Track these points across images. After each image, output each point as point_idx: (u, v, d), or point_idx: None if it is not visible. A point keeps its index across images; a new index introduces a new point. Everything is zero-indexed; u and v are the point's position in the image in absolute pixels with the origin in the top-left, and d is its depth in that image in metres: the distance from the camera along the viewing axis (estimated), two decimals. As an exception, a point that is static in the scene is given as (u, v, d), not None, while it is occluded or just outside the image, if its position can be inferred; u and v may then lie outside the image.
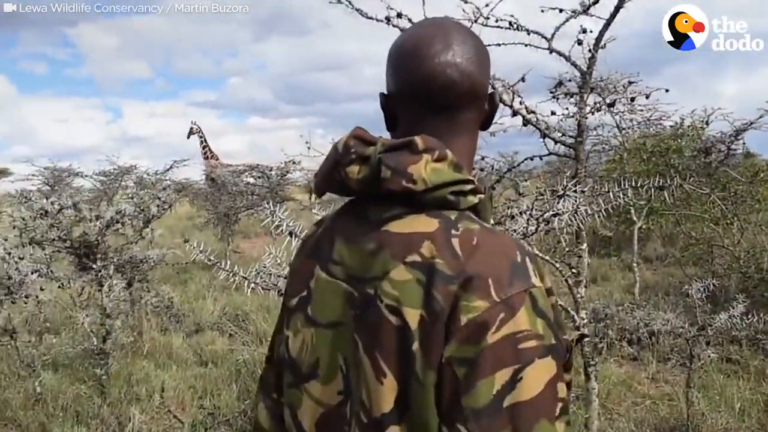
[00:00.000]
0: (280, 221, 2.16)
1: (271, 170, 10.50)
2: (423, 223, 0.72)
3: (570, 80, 2.81)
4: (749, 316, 3.13)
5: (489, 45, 2.50)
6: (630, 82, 2.99)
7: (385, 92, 0.83)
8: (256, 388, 0.98)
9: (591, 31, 2.58)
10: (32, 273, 3.95)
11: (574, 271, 2.63)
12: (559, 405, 0.66)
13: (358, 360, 0.72)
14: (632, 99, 3.00)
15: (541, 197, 2.19)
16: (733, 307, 3.10)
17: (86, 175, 12.58)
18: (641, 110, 4.77)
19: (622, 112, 3.95)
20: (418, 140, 0.72)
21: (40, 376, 3.98)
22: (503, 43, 2.62)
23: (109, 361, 3.99)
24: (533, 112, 2.63)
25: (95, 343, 3.95)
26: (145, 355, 4.77)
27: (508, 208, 2.31)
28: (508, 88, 2.60)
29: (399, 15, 2.49)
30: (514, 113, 2.58)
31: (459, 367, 0.65)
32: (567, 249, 2.77)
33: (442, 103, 0.77)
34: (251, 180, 10.81)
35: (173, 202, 5.18)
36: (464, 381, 0.64)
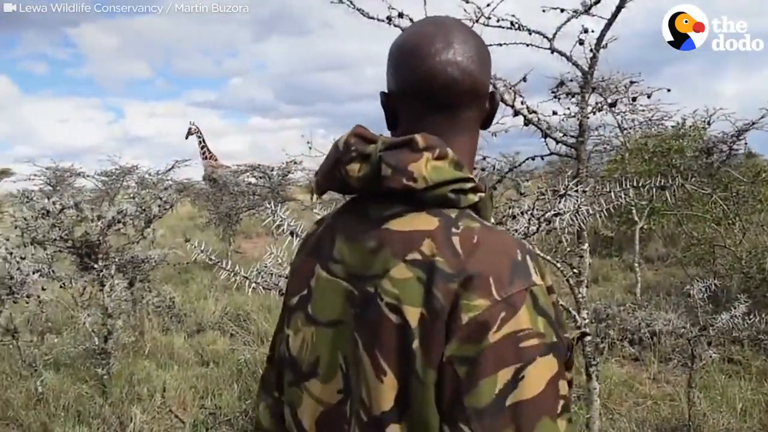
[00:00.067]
0: (281, 221, 2.17)
1: (272, 170, 10.51)
2: (423, 221, 0.72)
3: (571, 80, 2.81)
4: (751, 317, 3.12)
5: (490, 45, 2.51)
6: (632, 82, 2.99)
7: (386, 91, 0.83)
8: (258, 388, 0.98)
9: (592, 31, 2.58)
10: (34, 273, 3.96)
11: (575, 271, 2.62)
12: (561, 402, 0.66)
13: (358, 358, 0.72)
14: (634, 99, 2.99)
15: (543, 197, 2.19)
16: (735, 308, 3.10)
17: (88, 176, 12.60)
18: (643, 110, 4.77)
19: (624, 113, 3.95)
20: (419, 138, 0.72)
21: (42, 375, 3.98)
22: (504, 43, 2.62)
23: (111, 361, 3.99)
24: (534, 112, 2.63)
25: (97, 343, 3.95)
26: (147, 355, 4.78)
27: (510, 207, 2.31)
28: (510, 88, 2.60)
29: (400, 15, 2.49)
30: (516, 113, 2.58)
31: (460, 366, 0.65)
32: (568, 249, 2.77)
33: (443, 101, 0.77)
34: (252, 180, 10.82)
35: (174, 202, 5.18)
36: (466, 380, 0.64)
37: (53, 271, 4.11)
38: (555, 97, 2.90)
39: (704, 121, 6.15)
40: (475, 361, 0.64)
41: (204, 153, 16.83)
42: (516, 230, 2.15)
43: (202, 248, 2.30)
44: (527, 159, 2.91)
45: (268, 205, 2.22)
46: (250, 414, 3.57)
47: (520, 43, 2.64)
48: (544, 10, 2.61)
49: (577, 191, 2.16)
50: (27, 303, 4.13)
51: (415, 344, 0.67)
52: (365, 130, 0.77)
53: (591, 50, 2.60)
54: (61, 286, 4.21)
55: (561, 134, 2.71)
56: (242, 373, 4.26)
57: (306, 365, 0.80)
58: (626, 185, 2.15)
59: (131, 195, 5.00)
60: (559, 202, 2.15)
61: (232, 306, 6.05)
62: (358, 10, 2.49)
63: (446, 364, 0.65)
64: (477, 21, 2.58)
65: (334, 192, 0.81)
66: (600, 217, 2.14)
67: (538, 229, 2.15)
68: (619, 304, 5.12)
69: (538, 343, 0.65)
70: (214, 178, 11.16)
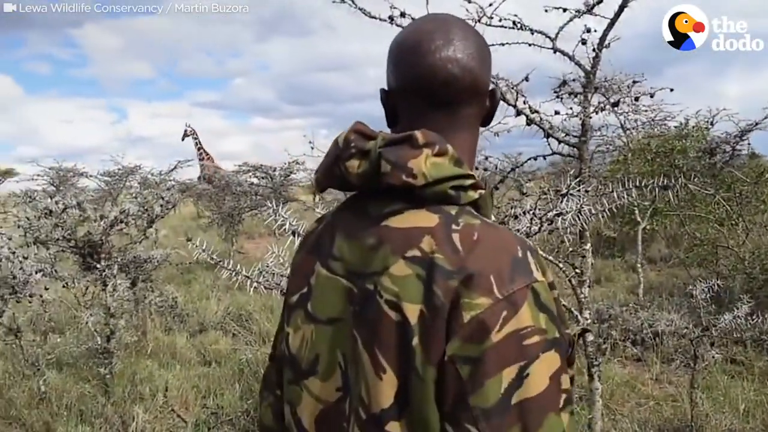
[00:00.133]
0: (282, 220, 2.17)
1: (274, 171, 10.53)
2: (423, 218, 0.71)
3: (574, 80, 2.80)
4: (754, 317, 3.11)
5: (492, 45, 2.50)
6: (634, 82, 2.99)
7: (386, 88, 0.83)
8: (260, 386, 0.98)
9: (595, 31, 2.58)
10: (37, 272, 3.97)
11: (577, 271, 2.62)
12: (563, 396, 0.66)
13: (357, 356, 0.72)
14: (636, 99, 2.99)
15: (545, 196, 2.19)
16: (738, 308, 3.09)
17: (91, 176, 12.66)
18: (645, 111, 4.76)
19: (627, 113, 3.94)
20: (419, 135, 0.72)
21: (45, 375, 3.99)
22: (507, 43, 2.61)
23: (113, 361, 4.00)
24: (537, 112, 2.62)
25: (99, 343, 3.96)
26: (149, 355, 4.78)
27: (512, 207, 2.31)
28: (512, 88, 2.59)
29: (402, 14, 2.48)
30: (518, 113, 2.57)
31: (462, 366, 0.64)
32: (571, 249, 2.76)
33: (443, 98, 0.77)
34: (255, 180, 10.84)
35: (177, 202, 5.20)
36: (470, 380, 0.64)
37: (56, 270, 4.12)
38: (557, 97, 2.89)
39: (707, 122, 6.15)
40: (478, 360, 0.64)
41: (201, 154, 16.92)
42: (518, 230, 2.14)
43: (204, 248, 2.30)
44: (529, 159, 2.91)
45: (269, 204, 2.22)
46: (251, 414, 3.58)
47: (523, 43, 2.64)
48: (546, 10, 2.61)
49: (579, 191, 2.16)
50: (30, 302, 4.14)
51: (415, 341, 0.67)
52: (365, 126, 0.77)
53: (594, 50, 2.60)
54: (63, 286, 4.22)
55: (563, 134, 2.71)
56: (244, 372, 4.27)
57: (305, 363, 0.80)
58: (629, 185, 2.14)
59: (134, 195, 5.01)
60: (561, 202, 2.15)
61: (234, 306, 6.06)
62: (360, 9, 2.49)
63: (448, 363, 0.65)
64: (479, 21, 2.58)
65: (334, 189, 0.80)
66: (602, 217, 2.14)
67: (540, 228, 2.15)
68: (622, 305, 5.13)
69: (541, 340, 0.65)
70: (210, 180, 11.20)
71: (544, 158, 2.82)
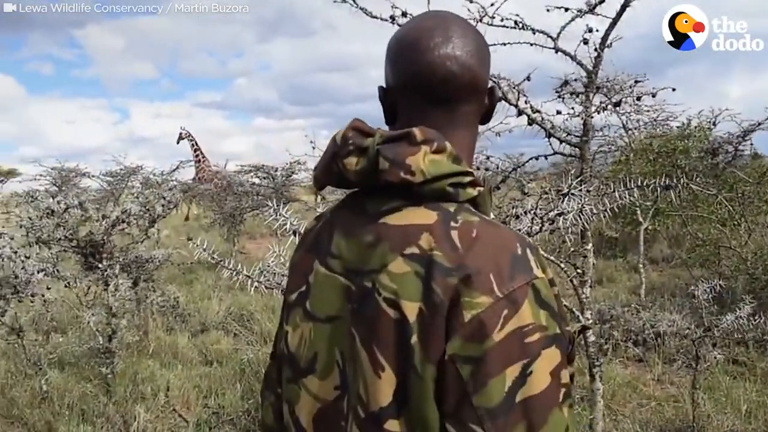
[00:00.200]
0: (284, 220, 2.17)
1: (276, 171, 10.54)
2: (421, 215, 0.71)
3: (576, 80, 2.80)
4: (756, 318, 3.11)
5: (494, 44, 2.50)
6: (636, 81, 2.98)
7: (384, 86, 0.83)
8: (261, 386, 0.97)
9: (597, 30, 2.57)
10: (39, 272, 3.98)
11: (579, 271, 2.62)
12: (563, 390, 0.66)
13: (355, 354, 0.71)
14: (638, 98, 2.98)
15: (546, 196, 2.18)
16: (740, 309, 3.09)
17: (93, 176, 12.71)
18: (647, 111, 4.76)
19: (629, 113, 3.94)
20: (417, 132, 0.71)
21: (47, 374, 4.00)
22: (508, 43, 2.61)
23: (115, 360, 4.00)
24: (538, 112, 2.62)
25: (101, 342, 3.97)
26: (151, 355, 4.79)
27: (513, 207, 2.31)
28: (514, 88, 2.59)
29: (404, 14, 2.48)
30: (520, 113, 2.57)
31: (464, 365, 0.64)
32: (572, 249, 2.76)
33: (442, 95, 0.77)
34: (257, 180, 10.85)
35: (179, 202, 5.20)
36: (473, 380, 0.64)
37: (58, 270, 4.13)
38: (559, 96, 2.88)
39: (710, 122, 6.15)
40: (480, 360, 0.64)
41: (198, 157, 16.95)
42: (519, 230, 2.14)
43: (204, 247, 2.30)
44: (531, 159, 2.91)
45: (270, 203, 2.22)
46: (253, 413, 3.58)
47: (524, 43, 2.64)
48: (548, 10, 2.61)
49: (580, 191, 2.16)
50: (32, 302, 4.15)
51: (414, 339, 0.66)
52: (363, 123, 0.76)
53: (595, 50, 2.59)
54: (65, 286, 4.23)
55: (565, 134, 2.70)
56: (245, 372, 4.27)
57: (304, 361, 0.79)
58: (631, 185, 2.14)
59: (135, 195, 5.01)
60: (563, 202, 2.15)
61: (235, 306, 6.07)
62: (362, 9, 2.49)
63: (448, 362, 0.65)
64: (481, 20, 2.58)
65: (332, 186, 0.80)
66: (604, 217, 2.14)
67: (541, 228, 2.15)
68: (624, 305, 5.11)
69: (542, 337, 0.65)
70: (211, 180, 11.23)
71: (546, 158, 2.82)
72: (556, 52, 2.64)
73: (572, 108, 2.80)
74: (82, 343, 4.46)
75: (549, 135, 2.64)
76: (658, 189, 2.13)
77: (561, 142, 2.68)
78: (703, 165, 6.10)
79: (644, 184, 2.13)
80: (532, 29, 2.61)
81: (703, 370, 3.35)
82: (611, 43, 2.58)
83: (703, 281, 3.50)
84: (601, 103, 2.82)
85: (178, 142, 17.49)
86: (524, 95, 2.60)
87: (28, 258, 3.96)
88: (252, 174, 11.14)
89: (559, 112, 2.73)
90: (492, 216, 0.79)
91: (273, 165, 10.69)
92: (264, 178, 10.77)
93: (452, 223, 0.70)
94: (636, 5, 2.50)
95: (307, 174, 10.65)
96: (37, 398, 3.86)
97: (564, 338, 0.68)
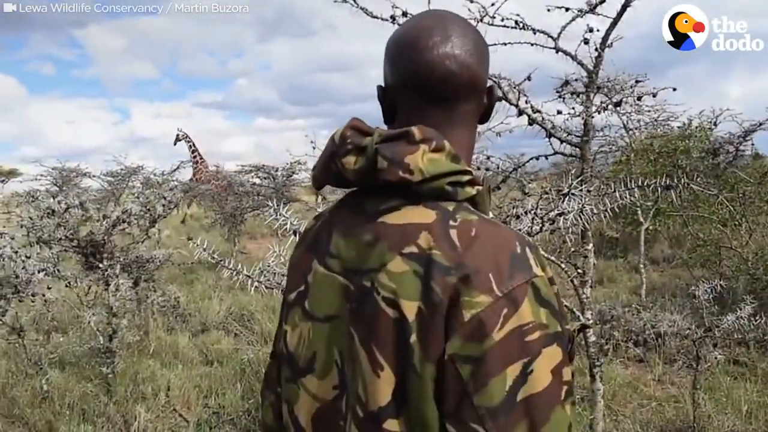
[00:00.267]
0: (284, 220, 2.17)
1: (276, 171, 10.54)
2: (420, 214, 0.71)
3: (576, 80, 2.80)
4: (757, 318, 3.11)
5: (495, 44, 2.50)
6: (637, 81, 2.98)
7: (383, 85, 0.83)
8: (262, 386, 0.97)
9: (597, 30, 2.57)
10: (39, 272, 3.98)
11: (579, 271, 2.61)
12: (565, 388, 0.66)
13: (354, 353, 0.71)
14: (639, 98, 2.98)
15: (546, 196, 2.18)
16: (741, 309, 3.09)
17: (94, 176, 12.73)
18: (648, 111, 4.76)
19: (629, 113, 3.94)
20: (415, 130, 0.71)
21: (47, 374, 4.00)
22: (509, 43, 2.61)
23: (116, 360, 4.01)
24: (539, 112, 2.62)
25: (102, 342, 3.97)
26: (151, 354, 4.79)
27: (514, 207, 2.31)
28: (514, 88, 2.59)
29: (404, 14, 2.48)
30: (520, 112, 2.57)
31: (463, 365, 0.64)
32: (573, 249, 2.76)
33: (441, 94, 0.77)
34: (257, 180, 10.86)
35: (179, 202, 5.21)
36: (473, 380, 0.63)
37: (58, 270, 4.13)
38: (559, 96, 2.89)
39: (710, 122, 6.14)
40: (481, 360, 0.63)
41: (195, 158, 16.97)
42: (520, 229, 2.14)
43: (205, 247, 2.30)
44: (531, 158, 2.91)
45: (270, 203, 2.22)
46: (253, 413, 3.58)
47: (525, 43, 2.63)
48: (549, 10, 2.61)
49: (581, 191, 2.16)
50: (33, 302, 4.15)
51: (413, 338, 0.66)
52: (361, 122, 0.76)
53: (596, 49, 2.59)
54: (66, 286, 4.23)
55: (566, 134, 2.70)
56: (246, 372, 4.27)
57: (303, 361, 0.79)
58: (631, 185, 2.14)
59: (136, 195, 5.02)
60: (563, 202, 2.15)
61: (236, 306, 6.07)
62: (362, 9, 2.49)
63: (448, 362, 0.64)
64: (481, 20, 2.58)
65: (331, 185, 0.80)
66: (605, 217, 2.14)
67: (541, 228, 2.15)
68: (624, 306, 5.11)
69: (542, 335, 0.65)
70: (209, 181, 11.24)
71: (546, 158, 2.82)
72: (557, 52, 2.64)
73: (573, 108, 2.80)
74: (83, 343, 4.47)
75: (549, 135, 2.64)
76: (659, 189, 2.13)
77: (561, 142, 2.67)
78: (704, 165, 6.10)
79: (645, 184, 2.13)
80: (533, 29, 2.61)
81: (703, 370, 3.35)
82: (612, 43, 2.58)
83: (703, 281, 3.50)
84: (601, 103, 2.82)
85: (175, 144, 17.54)
86: (525, 95, 2.60)
87: (29, 258, 3.97)
88: (252, 174, 11.14)
89: (559, 112, 2.73)
90: (491, 215, 0.79)
91: (273, 165, 10.70)
92: (264, 178, 10.78)
93: (451, 222, 0.70)
94: (636, 5, 2.50)
95: (308, 174, 10.65)
96: (38, 398, 3.86)
97: (564, 336, 0.68)
